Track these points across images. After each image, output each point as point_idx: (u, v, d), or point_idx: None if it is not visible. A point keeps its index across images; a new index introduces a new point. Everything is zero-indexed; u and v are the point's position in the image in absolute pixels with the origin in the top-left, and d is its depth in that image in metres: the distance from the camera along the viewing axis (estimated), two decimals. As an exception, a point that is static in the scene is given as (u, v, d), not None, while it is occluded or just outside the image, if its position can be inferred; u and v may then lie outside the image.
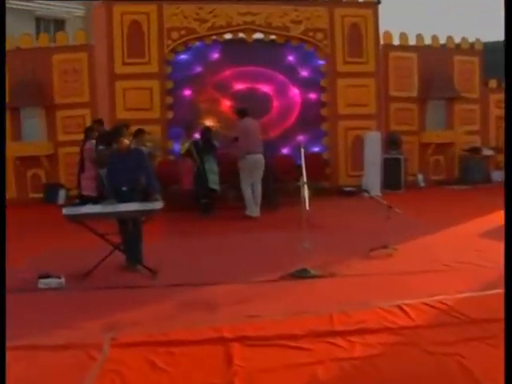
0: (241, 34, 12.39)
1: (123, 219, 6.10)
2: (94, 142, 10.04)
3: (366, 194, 10.87)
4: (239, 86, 12.59)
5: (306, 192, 5.46)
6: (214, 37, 12.25)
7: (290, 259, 5.83)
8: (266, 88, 12.69)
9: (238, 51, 12.43)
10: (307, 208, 5.43)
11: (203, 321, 4.22)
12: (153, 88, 12.08)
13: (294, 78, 12.80)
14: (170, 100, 12.29)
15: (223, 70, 12.59)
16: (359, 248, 6.38)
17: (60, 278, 5.60)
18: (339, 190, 12.22)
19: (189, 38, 12.02)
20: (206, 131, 10.24)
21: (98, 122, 11.10)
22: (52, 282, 5.53)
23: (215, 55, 12.60)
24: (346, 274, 5.47)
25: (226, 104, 12.49)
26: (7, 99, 12.60)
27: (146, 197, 6.13)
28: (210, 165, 9.80)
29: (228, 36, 12.40)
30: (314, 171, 11.98)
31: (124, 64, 12.00)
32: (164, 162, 12.04)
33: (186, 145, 9.96)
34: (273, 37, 12.48)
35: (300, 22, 12.30)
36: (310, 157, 12.25)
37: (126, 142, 6.29)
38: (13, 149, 12.56)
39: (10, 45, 12.94)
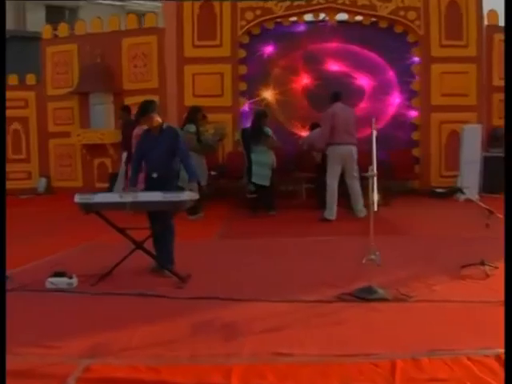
0: (322, 15, 11.13)
1: (151, 212, 5.06)
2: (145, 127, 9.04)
3: (461, 197, 9.24)
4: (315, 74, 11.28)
5: (375, 187, 4.12)
6: (293, 18, 11.09)
7: (352, 273, 4.54)
8: (354, 77, 11.28)
9: (318, 34, 11.16)
10: (375, 209, 4.09)
11: (213, 355, 3.03)
12: (224, 73, 11.10)
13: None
14: (243, 86, 11.24)
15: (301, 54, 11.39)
16: (447, 263, 4.95)
17: (72, 277, 4.70)
18: (430, 191, 10.63)
19: (264, 18, 10.90)
20: (258, 116, 8.80)
21: (124, 108, 10.40)
22: (61, 282, 4.65)
23: (293, 38, 11.38)
24: (426, 299, 4.00)
25: (301, 91, 11.27)
26: (76, 84, 12.17)
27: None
28: (258, 156, 8.41)
29: (308, 17, 11.18)
30: (401, 169, 10.57)
31: (194, 47, 11.11)
32: (234, 153, 11.06)
33: (237, 133, 8.95)
34: (359, 17, 11.08)
35: (389, 0, 10.82)
36: (397, 153, 10.84)
37: (158, 119, 5.22)
38: (80, 136, 12.09)
39: (80, 30, 12.52)
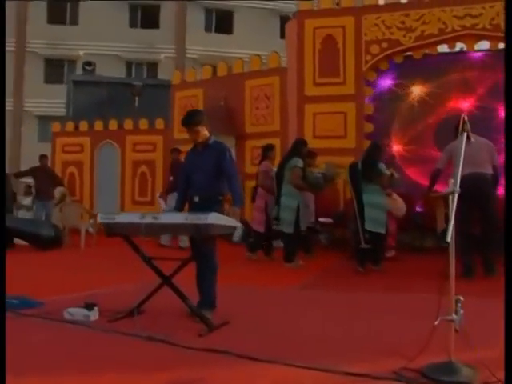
0: (459, 44, 9.91)
1: (194, 247, 4.32)
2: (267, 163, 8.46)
3: None
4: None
5: (452, 214, 2.95)
6: (425, 49, 10.00)
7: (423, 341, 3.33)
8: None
9: (455, 66, 9.94)
10: (447, 239, 2.90)
11: None
12: (348, 112, 10.21)
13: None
14: (369, 128, 10.28)
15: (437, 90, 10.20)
16: None
17: (91, 310, 4.25)
18: None
19: (392, 51, 9.93)
20: (371, 148, 7.39)
21: (174, 150, 10.22)
22: (78, 313, 4.26)
23: (426, 72, 10.25)
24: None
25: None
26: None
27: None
28: (369, 197, 6.97)
29: (442, 47, 10.02)
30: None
31: (315, 85, 10.41)
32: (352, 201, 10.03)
33: (345, 170, 7.77)
34: (503, 45, 9.67)
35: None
36: None
37: (205, 133, 4.48)
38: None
39: (206, 74, 12.56)
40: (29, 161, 16.25)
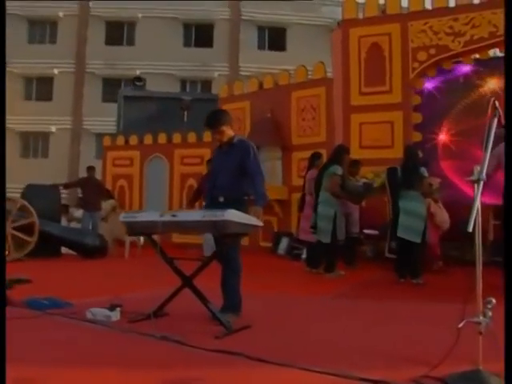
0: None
1: (218, 250, 4.19)
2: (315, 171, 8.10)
3: None
4: None
5: (476, 203, 2.68)
6: (475, 55, 9.63)
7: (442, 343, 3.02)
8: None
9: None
10: (469, 229, 2.63)
11: None
12: (394, 122, 9.93)
13: None
14: (417, 137, 9.95)
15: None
16: None
17: (113, 310, 4.23)
18: None
19: (440, 57, 9.61)
20: (411, 154, 6.95)
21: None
22: (100, 313, 4.26)
23: (478, 79, 9.87)
24: None
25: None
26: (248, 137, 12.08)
27: None
28: (408, 203, 6.54)
29: (495, 51, 9.64)
30: None
31: (361, 94, 10.20)
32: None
33: (383, 175, 7.36)
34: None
35: None
36: None
37: (229, 132, 4.37)
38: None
39: (253, 87, 12.58)
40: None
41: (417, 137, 9.95)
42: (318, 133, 11.22)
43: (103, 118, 22.70)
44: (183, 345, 3.43)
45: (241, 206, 4.17)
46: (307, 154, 11.21)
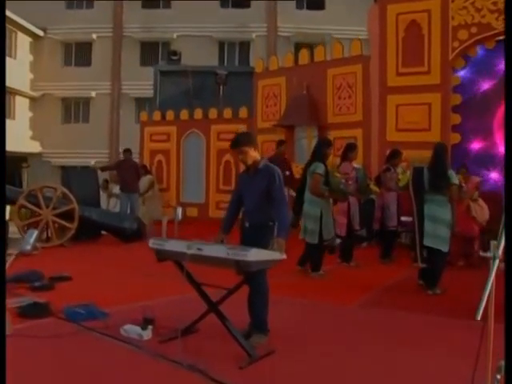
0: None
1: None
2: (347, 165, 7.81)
3: None
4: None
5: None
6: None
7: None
8: None
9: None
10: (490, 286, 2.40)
11: None
12: (432, 103, 9.67)
13: None
14: (456, 119, 9.69)
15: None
16: None
17: (145, 329, 4.41)
18: None
19: (482, 36, 9.22)
20: (441, 153, 6.35)
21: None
22: (133, 331, 4.44)
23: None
24: None
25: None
26: (282, 117, 12.00)
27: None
28: (432, 209, 6.10)
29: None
30: None
31: (398, 75, 9.94)
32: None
33: (409, 174, 6.94)
34: None
35: None
36: None
37: (253, 154, 4.34)
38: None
39: (288, 62, 12.37)
40: (127, 142, 16.96)
41: (456, 119, 9.71)
42: (354, 111, 11.05)
43: (142, 82, 22.74)
44: (206, 376, 3.56)
45: (266, 233, 4.25)
46: (343, 133, 11.17)
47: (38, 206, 8.92)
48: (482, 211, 7.59)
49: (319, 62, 11.62)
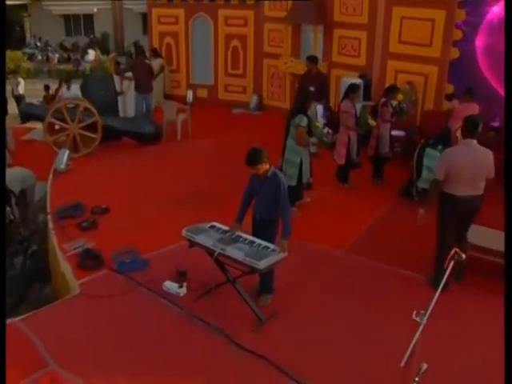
0: None
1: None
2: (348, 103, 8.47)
3: None
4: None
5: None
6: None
7: None
8: None
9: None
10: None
11: None
12: (436, 19, 9.97)
13: None
14: (458, 34, 9.94)
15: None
16: None
17: (181, 287, 5.62)
18: None
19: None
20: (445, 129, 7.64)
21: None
22: (172, 288, 5.63)
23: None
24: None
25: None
26: (288, 12, 12.20)
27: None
28: (431, 162, 7.48)
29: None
30: None
31: (405, -15, 10.09)
32: (430, 112, 10.32)
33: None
34: None
35: None
36: None
37: (265, 167, 5.29)
38: (287, 64, 12.58)
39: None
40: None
41: (457, 34, 9.98)
42: (360, 13, 11.28)
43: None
44: (230, 340, 4.85)
45: (272, 225, 5.43)
46: (348, 32, 11.56)
47: (65, 121, 9.77)
48: None
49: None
